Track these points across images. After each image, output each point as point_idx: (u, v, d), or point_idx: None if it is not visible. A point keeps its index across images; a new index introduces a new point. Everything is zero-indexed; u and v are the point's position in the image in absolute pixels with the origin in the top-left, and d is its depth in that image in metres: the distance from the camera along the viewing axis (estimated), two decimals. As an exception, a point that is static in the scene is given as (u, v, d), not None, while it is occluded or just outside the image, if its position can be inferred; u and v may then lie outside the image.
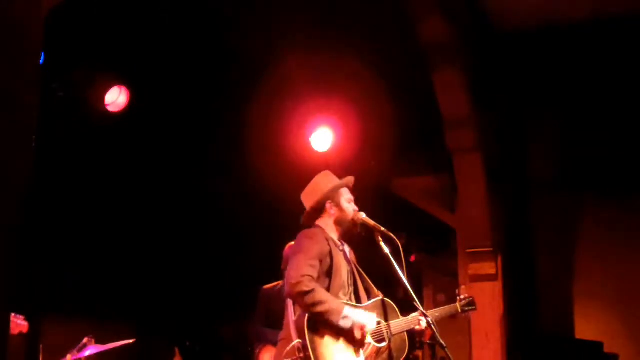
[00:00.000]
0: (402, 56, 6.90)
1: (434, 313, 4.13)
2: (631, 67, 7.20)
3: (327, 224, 4.04)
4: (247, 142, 7.29)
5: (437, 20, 6.36)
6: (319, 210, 4.06)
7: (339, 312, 3.65)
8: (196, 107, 7.38)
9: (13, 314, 4.53)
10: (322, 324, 3.65)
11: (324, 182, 4.10)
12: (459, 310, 4.38)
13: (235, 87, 7.16)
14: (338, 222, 4.04)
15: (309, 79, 7.06)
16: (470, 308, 4.43)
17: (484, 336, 7.10)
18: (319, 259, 3.79)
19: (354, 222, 4.04)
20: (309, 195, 4.10)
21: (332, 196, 4.06)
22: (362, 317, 3.74)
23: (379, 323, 3.85)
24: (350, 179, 4.16)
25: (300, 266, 3.70)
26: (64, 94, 6.29)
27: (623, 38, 7.02)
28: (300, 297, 3.62)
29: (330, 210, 4.05)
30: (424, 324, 3.92)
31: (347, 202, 4.08)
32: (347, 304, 3.80)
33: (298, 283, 3.62)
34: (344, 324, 3.66)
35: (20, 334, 4.65)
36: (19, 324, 4.59)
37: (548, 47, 7.33)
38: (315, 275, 3.71)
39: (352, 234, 4.08)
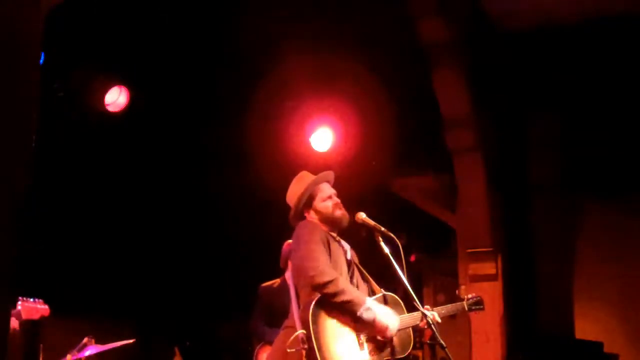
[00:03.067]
0: (402, 56, 6.90)
1: (440, 310, 4.11)
2: (632, 68, 7.19)
3: (316, 222, 4.02)
4: (247, 142, 7.28)
5: (437, 20, 6.36)
6: (299, 217, 4.05)
7: (361, 303, 3.64)
8: (196, 107, 7.38)
9: (31, 299, 4.49)
10: (333, 313, 3.63)
11: (295, 190, 4.07)
12: (466, 309, 4.38)
13: (235, 87, 7.16)
14: (323, 222, 4.01)
15: (309, 79, 7.06)
16: (477, 307, 4.42)
17: (484, 336, 7.10)
18: (322, 244, 3.78)
19: (336, 218, 4.00)
20: (288, 201, 4.10)
21: (305, 203, 4.03)
22: (386, 317, 3.70)
23: None
24: (320, 176, 4.10)
25: (315, 255, 3.67)
26: (64, 94, 6.29)
27: (623, 38, 7.02)
28: (323, 287, 3.59)
29: (309, 216, 4.04)
30: (428, 315, 3.90)
31: (323, 202, 4.02)
32: None
33: (320, 273, 3.59)
34: (367, 315, 3.65)
35: (43, 318, 4.59)
36: (39, 308, 4.54)
37: (548, 47, 7.32)
38: (330, 262, 3.70)
39: (342, 228, 4.04)
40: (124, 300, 7.69)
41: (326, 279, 3.58)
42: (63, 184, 6.78)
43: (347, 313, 3.64)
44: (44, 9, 2.56)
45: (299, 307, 3.72)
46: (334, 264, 3.80)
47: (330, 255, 3.81)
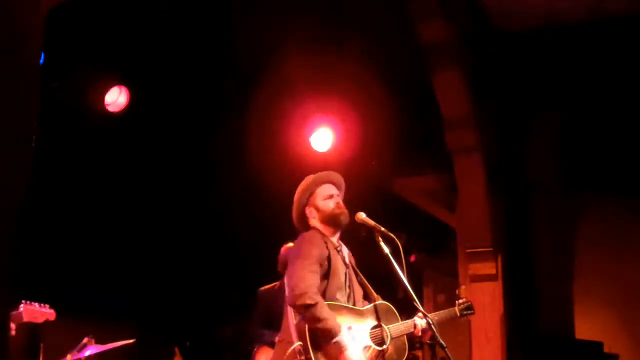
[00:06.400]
0: (402, 56, 6.90)
1: (433, 317, 4.11)
2: (632, 67, 7.19)
3: (320, 227, 4.02)
4: (247, 143, 7.28)
5: (437, 20, 6.36)
6: (302, 218, 4.06)
7: (333, 335, 3.59)
8: (196, 107, 7.38)
9: (37, 304, 4.59)
10: None
11: (298, 190, 4.10)
12: (458, 315, 4.40)
13: (236, 87, 7.16)
14: (324, 222, 4.01)
15: (309, 79, 7.06)
16: (468, 312, 4.45)
17: (484, 336, 7.10)
18: (319, 262, 3.77)
19: (337, 215, 3.99)
20: (293, 206, 4.11)
21: (306, 201, 4.04)
22: (351, 353, 3.62)
23: (377, 327, 3.84)
24: (322, 175, 4.12)
25: (304, 274, 3.66)
26: (64, 94, 6.29)
27: (624, 38, 7.02)
28: (302, 309, 3.58)
29: (311, 215, 4.03)
30: (420, 323, 3.90)
31: (323, 200, 4.03)
32: (350, 308, 3.80)
33: (302, 294, 3.58)
34: (335, 347, 3.59)
35: (47, 322, 4.66)
36: (44, 312, 4.60)
37: (549, 46, 7.32)
38: (318, 282, 3.69)
39: (342, 227, 4.03)
40: (124, 300, 7.69)
41: (307, 302, 3.56)
42: (63, 184, 6.79)
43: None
44: (44, 9, 2.56)
45: (294, 319, 3.71)
46: (333, 276, 3.80)
47: (330, 268, 3.80)
